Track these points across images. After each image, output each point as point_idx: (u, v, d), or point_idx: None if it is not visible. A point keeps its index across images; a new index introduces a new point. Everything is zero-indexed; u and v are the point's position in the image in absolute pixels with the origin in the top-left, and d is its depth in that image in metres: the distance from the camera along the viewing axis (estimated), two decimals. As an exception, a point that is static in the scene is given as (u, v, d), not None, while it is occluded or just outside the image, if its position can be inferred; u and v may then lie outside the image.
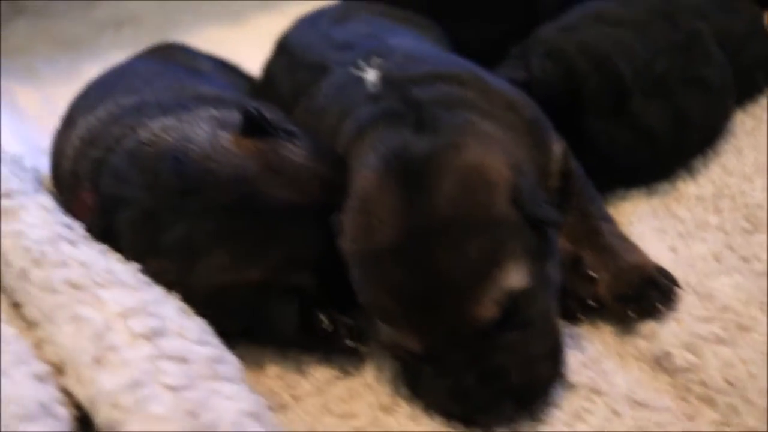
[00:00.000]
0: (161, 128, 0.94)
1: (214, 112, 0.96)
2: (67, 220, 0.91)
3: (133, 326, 0.79)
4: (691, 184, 1.09)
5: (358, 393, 0.88)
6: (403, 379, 0.89)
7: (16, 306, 0.88)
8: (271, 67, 1.23)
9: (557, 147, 1.00)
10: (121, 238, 0.90)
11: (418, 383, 0.86)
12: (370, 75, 1.00)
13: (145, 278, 0.85)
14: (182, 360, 0.77)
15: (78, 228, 0.91)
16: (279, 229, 0.87)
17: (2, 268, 0.89)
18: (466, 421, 0.84)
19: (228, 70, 1.27)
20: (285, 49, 1.22)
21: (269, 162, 0.89)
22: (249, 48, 1.55)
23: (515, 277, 0.82)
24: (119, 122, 1.00)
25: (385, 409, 0.87)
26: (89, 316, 0.80)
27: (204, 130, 0.91)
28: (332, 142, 0.96)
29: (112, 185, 0.93)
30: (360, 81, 1.00)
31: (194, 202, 0.87)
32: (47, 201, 0.93)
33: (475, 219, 0.82)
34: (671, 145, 1.08)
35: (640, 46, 1.08)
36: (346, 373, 0.90)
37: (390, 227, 0.83)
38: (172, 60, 1.23)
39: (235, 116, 0.95)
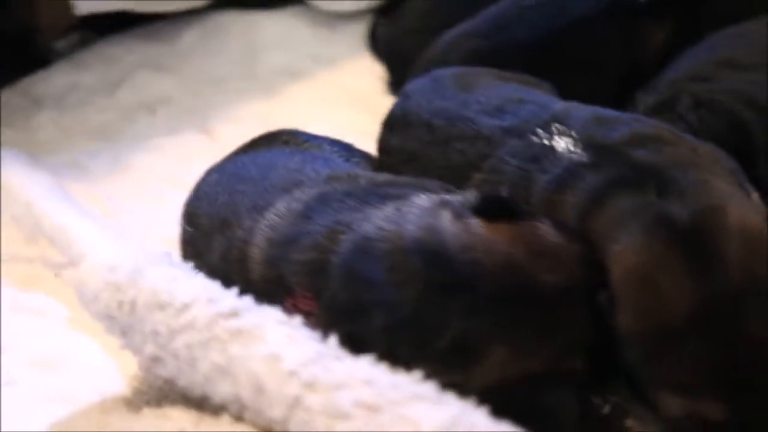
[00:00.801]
0: (386, 221, 0.87)
1: (433, 197, 0.89)
2: (311, 333, 0.83)
3: (460, 444, 0.72)
4: None
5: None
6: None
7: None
8: (403, 143, 1.16)
9: (755, 196, 0.99)
10: (373, 347, 0.82)
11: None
12: (562, 142, 0.97)
13: (433, 387, 0.78)
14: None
15: (331, 341, 0.82)
16: (553, 315, 0.82)
17: (251, 396, 0.79)
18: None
19: (346, 149, 1.20)
20: (415, 123, 1.15)
21: (530, 245, 0.83)
22: (283, 120, 1.50)
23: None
24: (313, 219, 0.92)
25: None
26: (405, 440, 0.72)
27: (447, 219, 0.85)
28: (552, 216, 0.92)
29: (349, 289, 0.85)
30: (550, 149, 0.97)
31: (463, 299, 0.80)
32: (278, 314, 0.84)
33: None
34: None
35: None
36: (625, 456, 0.86)
37: (682, 300, 0.80)
38: (295, 146, 1.15)
39: (450, 199, 0.89)
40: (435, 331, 0.80)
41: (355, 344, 0.83)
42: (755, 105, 1.07)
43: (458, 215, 0.86)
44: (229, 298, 0.85)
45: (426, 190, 0.95)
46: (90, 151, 1.41)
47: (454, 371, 0.80)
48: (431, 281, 0.81)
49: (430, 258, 0.82)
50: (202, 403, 0.87)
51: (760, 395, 0.79)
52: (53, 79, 1.55)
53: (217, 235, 1.02)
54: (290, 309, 0.88)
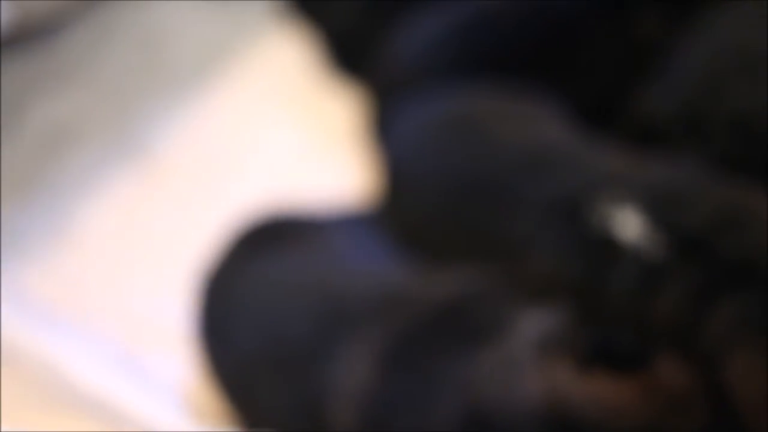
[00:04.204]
0: (495, 375, 0.78)
1: (535, 331, 0.80)
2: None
3: None
4: None
5: None
6: None
7: None
8: (412, 209, 1.03)
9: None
10: None
11: None
12: (629, 227, 0.88)
13: None
14: None
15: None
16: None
17: None
18: None
19: (358, 227, 1.04)
20: (427, 185, 1.02)
21: (661, 397, 0.76)
22: (227, 125, 1.36)
23: None
24: (406, 373, 0.83)
25: None
26: None
27: (568, 372, 0.76)
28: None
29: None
30: (616, 237, 0.88)
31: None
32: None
33: None
34: None
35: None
36: None
37: None
38: (299, 242, 0.98)
39: (560, 338, 0.80)
40: None
41: None
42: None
43: (577, 364, 0.77)
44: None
45: (506, 302, 0.86)
46: (22, 215, 1.19)
47: None
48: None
49: (561, 429, 0.75)
50: None
51: None
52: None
53: (273, 376, 0.89)
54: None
